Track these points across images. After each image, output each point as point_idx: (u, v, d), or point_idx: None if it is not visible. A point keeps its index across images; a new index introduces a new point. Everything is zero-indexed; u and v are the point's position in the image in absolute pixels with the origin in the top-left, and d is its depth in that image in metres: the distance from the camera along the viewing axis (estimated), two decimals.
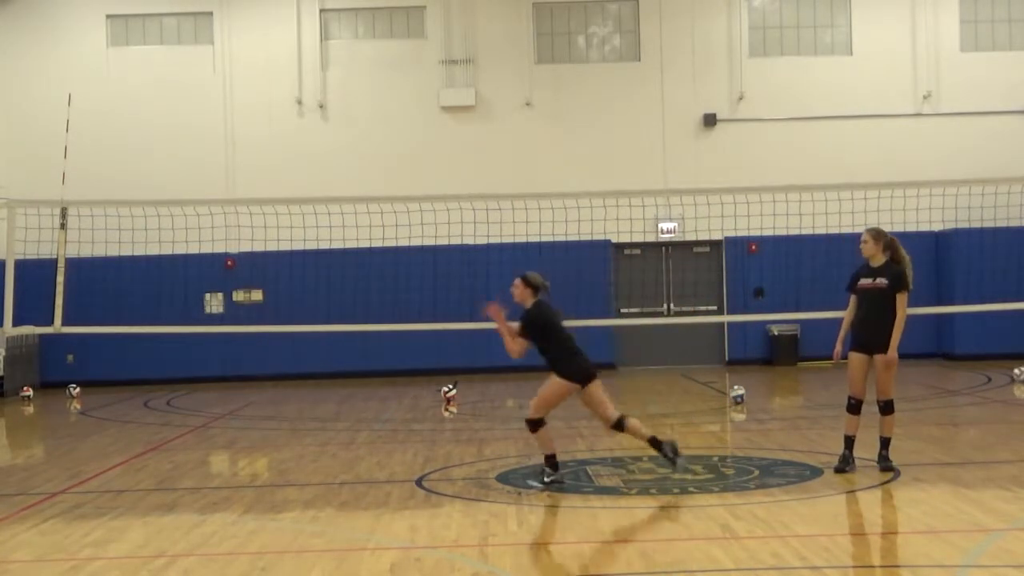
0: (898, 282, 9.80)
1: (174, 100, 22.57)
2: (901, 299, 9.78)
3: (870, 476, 9.59)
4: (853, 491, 9.15)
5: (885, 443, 9.89)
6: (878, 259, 9.91)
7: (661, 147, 22.67)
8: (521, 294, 9.91)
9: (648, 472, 10.16)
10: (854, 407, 9.91)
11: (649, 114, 22.77)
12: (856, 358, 9.86)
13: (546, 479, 9.61)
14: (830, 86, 22.78)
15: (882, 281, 9.82)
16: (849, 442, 9.92)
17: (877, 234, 9.97)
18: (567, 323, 10.16)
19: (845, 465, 9.81)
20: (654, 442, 9.76)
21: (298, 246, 17.87)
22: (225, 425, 15.24)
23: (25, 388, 19.73)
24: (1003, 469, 9.93)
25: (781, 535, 7.48)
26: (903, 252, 10.00)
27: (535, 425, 9.69)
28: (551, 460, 9.71)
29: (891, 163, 21.57)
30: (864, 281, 9.90)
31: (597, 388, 9.72)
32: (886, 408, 9.82)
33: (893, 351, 9.71)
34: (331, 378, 21.63)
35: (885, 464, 9.79)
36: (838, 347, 10.01)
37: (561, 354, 9.72)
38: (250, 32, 22.80)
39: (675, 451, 9.75)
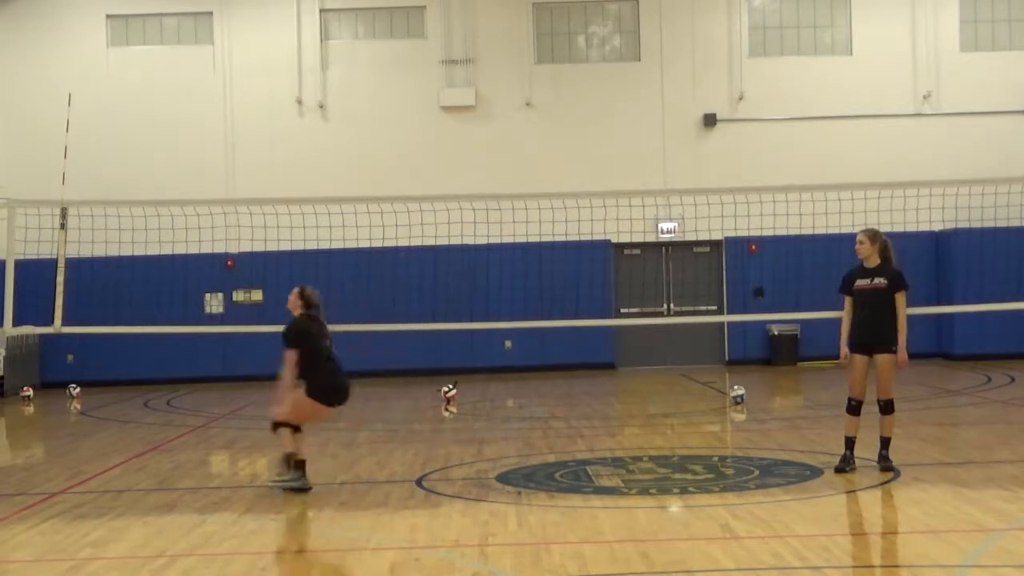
0: (899, 282, 9.83)
1: (174, 100, 22.56)
2: (901, 298, 9.81)
3: (870, 476, 9.59)
4: (853, 491, 9.15)
5: (885, 443, 9.89)
6: (873, 260, 9.91)
7: (661, 147, 22.66)
8: (293, 303, 10.05)
9: (648, 472, 10.16)
10: (854, 408, 9.91)
11: (649, 114, 22.76)
12: (857, 359, 9.86)
13: (276, 478, 9.63)
14: (830, 86, 22.77)
15: (881, 281, 9.83)
16: (850, 443, 9.92)
17: (873, 235, 9.97)
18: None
19: (846, 465, 9.80)
20: (288, 459, 9.59)
21: (298, 246, 17.87)
22: (225, 425, 15.24)
23: (25, 388, 19.73)
24: (1003, 469, 9.92)
25: (781, 535, 7.48)
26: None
27: (278, 426, 9.69)
28: (291, 459, 9.61)
29: (891, 163, 21.56)
30: (861, 282, 9.89)
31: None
32: (887, 408, 9.81)
33: (904, 352, 9.74)
34: None
35: (885, 464, 9.78)
36: (844, 350, 9.96)
37: (312, 372, 9.67)
38: (250, 32, 22.80)
39: (297, 480, 9.58)
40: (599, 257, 21.95)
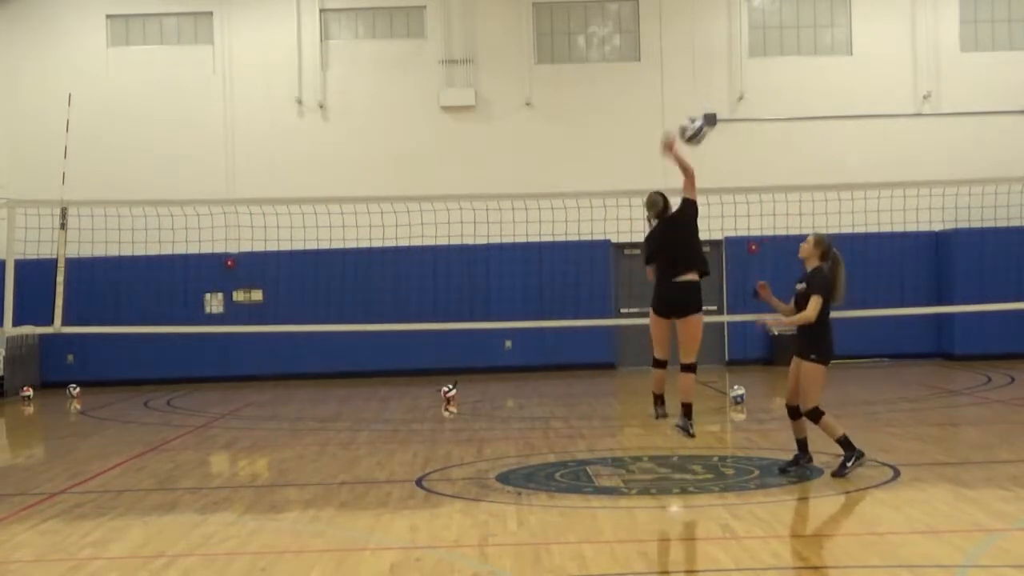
0: (814, 286, 9.55)
1: (174, 100, 22.56)
2: (815, 301, 9.49)
3: (870, 476, 9.58)
4: (853, 491, 9.14)
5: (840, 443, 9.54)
6: (811, 263, 9.71)
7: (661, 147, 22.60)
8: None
9: (648, 472, 10.15)
10: (790, 412, 9.80)
11: (649, 114, 22.73)
12: (793, 362, 9.76)
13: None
14: (830, 86, 22.76)
15: (802, 286, 9.67)
16: (801, 444, 9.83)
17: (817, 239, 9.72)
18: None
19: (793, 465, 9.74)
20: None
21: (298, 246, 17.87)
22: (225, 425, 15.24)
23: (25, 388, 19.73)
24: (1003, 469, 9.92)
25: (781, 535, 7.48)
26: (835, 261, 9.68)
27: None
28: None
29: (891, 163, 21.55)
30: (799, 287, 9.77)
31: None
32: (809, 415, 9.54)
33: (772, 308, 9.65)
34: (331, 378, 21.64)
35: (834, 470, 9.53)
36: (761, 283, 9.97)
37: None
38: (250, 32, 22.79)
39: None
40: (599, 257, 21.93)
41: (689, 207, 9.91)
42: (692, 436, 9.82)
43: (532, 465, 10.74)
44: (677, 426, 9.80)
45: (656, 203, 10.12)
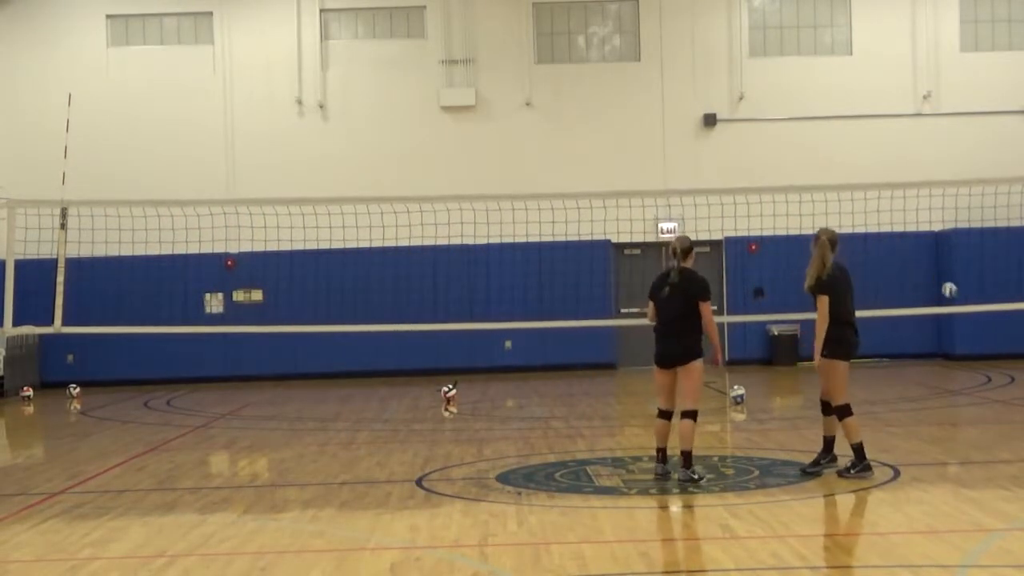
0: (817, 287, 9.53)
1: (174, 100, 22.56)
2: (819, 304, 9.46)
3: (870, 477, 9.57)
4: (853, 491, 9.14)
5: (854, 450, 9.56)
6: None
7: (661, 147, 22.66)
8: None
9: (648, 472, 10.14)
10: (823, 408, 9.84)
11: (649, 114, 22.76)
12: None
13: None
14: (830, 86, 22.77)
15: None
16: (827, 442, 9.85)
17: (815, 236, 9.69)
18: None
19: (815, 466, 9.74)
20: None
21: (298, 246, 17.88)
22: (225, 425, 15.24)
23: (25, 388, 19.73)
24: (1003, 469, 9.92)
25: (781, 535, 7.48)
26: (821, 253, 9.56)
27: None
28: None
29: (891, 163, 21.55)
30: None
31: None
32: (836, 412, 9.57)
33: (818, 355, 9.47)
34: (331, 378, 21.64)
35: (843, 471, 9.56)
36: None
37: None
38: (250, 32, 22.80)
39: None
40: (599, 257, 21.93)
41: (700, 291, 9.66)
42: (699, 480, 9.33)
43: (532, 465, 10.74)
44: (680, 480, 9.36)
45: (683, 242, 10.03)
